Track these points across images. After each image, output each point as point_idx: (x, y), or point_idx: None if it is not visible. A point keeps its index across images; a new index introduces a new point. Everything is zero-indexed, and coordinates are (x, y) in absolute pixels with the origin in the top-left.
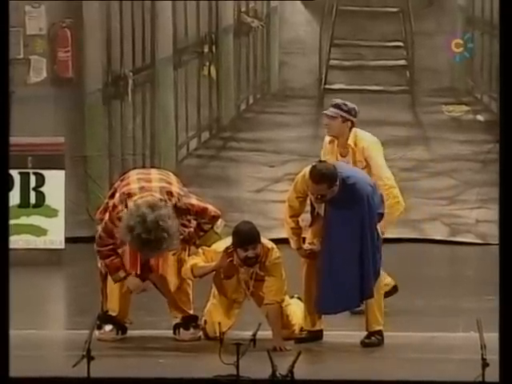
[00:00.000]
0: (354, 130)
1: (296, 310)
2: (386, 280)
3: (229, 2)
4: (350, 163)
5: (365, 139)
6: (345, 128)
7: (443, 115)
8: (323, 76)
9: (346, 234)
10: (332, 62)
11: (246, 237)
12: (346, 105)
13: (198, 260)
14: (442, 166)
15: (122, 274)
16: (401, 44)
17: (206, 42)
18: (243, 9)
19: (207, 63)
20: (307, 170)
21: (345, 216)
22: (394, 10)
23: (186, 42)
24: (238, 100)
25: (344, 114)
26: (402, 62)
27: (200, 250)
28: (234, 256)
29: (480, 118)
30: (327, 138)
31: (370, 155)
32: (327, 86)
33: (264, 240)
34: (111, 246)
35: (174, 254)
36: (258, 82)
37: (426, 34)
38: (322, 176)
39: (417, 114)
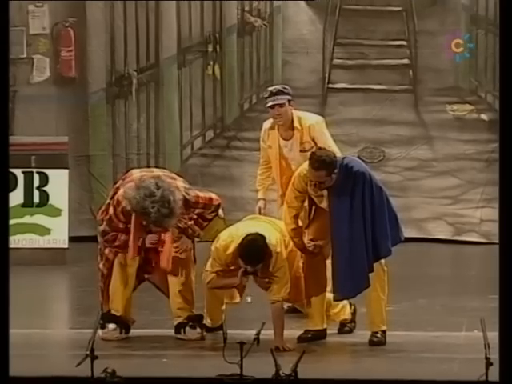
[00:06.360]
0: (294, 111)
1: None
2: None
3: (232, 1)
4: (295, 146)
5: (309, 118)
6: (290, 111)
7: (447, 114)
8: (326, 75)
9: (351, 216)
10: (335, 61)
11: (247, 255)
12: (285, 88)
13: (213, 274)
14: (445, 165)
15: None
16: (404, 43)
17: (209, 41)
18: (247, 8)
19: (211, 63)
20: (302, 168)
21: (348, 198)
22: (398, 9)
23: (190, 42)
24: (242, 99)
25: (289, 98)
26: (406, 61)
27: (212, 261)
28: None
29: (484, 117)
30: (267, 125)
31: (317, 134)
32: (330, 85)
33: (271, 245)
34: (115, 233)
35: (180, 252)
36: (262, 82)
37: (430, 33)
38: (322, 162)
39: (420, 113)
